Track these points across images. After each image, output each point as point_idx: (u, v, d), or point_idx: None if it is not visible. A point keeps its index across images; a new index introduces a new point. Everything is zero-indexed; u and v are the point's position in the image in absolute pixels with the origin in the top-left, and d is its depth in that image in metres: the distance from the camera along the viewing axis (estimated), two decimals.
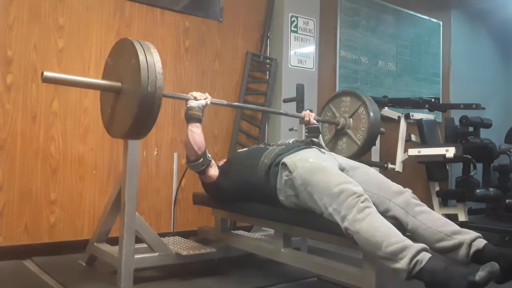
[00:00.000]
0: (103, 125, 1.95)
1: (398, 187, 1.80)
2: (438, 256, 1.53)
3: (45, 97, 2.42)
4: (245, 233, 2.45)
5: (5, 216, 2.28)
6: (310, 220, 1.76)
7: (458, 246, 1.58)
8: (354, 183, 1.62)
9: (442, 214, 1.80)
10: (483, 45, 5.19)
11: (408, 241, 1.45)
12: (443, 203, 3.67)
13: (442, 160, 3.19)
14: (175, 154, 2.83)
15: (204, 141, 1.99)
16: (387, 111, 3.64)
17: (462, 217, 3.34)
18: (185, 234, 2.54)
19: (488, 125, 3.86)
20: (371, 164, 3.10)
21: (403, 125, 3.50)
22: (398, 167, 3.39)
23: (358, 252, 1.67)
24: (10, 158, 2.31)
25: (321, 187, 1.65)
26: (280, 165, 1.84)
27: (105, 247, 2.10)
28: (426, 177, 3.84)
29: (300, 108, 2.61)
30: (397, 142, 3.47)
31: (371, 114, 2.40)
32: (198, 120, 1.96)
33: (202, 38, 3.01)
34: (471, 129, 3.79)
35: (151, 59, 1.65)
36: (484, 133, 3.92)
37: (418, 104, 3.62)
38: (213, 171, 2.07)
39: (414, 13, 4.41)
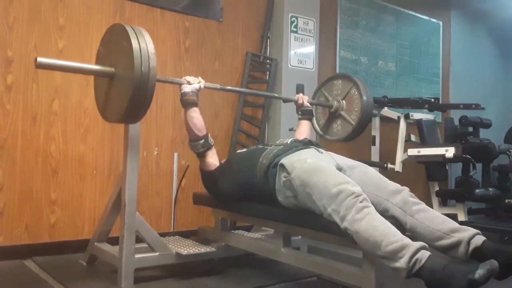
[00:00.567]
0: (98, 111, 1.96)
1: (395, 186, 1.80)
2: (437, 253, 1.53)
3: (45, 97, 2.42)
4: (245, 233, 2.46)
5: (5, 216, 2.29)
6: (309, 220, 1.76)
7: (457, 244, 1.58)
8: (352, 183, 1.63)
9: (442, 214, 1.80)
10: (483, 45, 5.20)
11: (407, 240, 1.45)
12: (443, 203, 3.67)
13: (441, 160, 3.19)
14: (175, 154, 2.84)
15: (204, 124, 2.03)
16: (386, 111, 3.64)
17: (461, 217, 3.35)
18: (185, 234, 2.55)
19: (487, 125, 3.86)
20: (371, 164, 3.10)
21: (402, 125, 3.50)
22: (397, 167, 3.40)
23: (358, 252, 1.67)
24: (10, 158, 2.31)
25: (319, 187, 1.65)
26: (278, 166, 1.85)
27: (106, 246, 2.11)
28: (425, 177, 3.84)
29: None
30: (396, 142, 3.47)
31: (363, 94, 2.43)
32: (194, 104, 1.99)
33: (202, 38, 3.01)
34: (470, 129, 3.79)
35: (143, 40, 1.66)
36: (483, 133, 3.93)
37: (418, 104, 3.62)
38: (213, 159, 2.08)
39: (414, 13, 4.41)
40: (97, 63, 1.89)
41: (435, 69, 4.61)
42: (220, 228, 2.39)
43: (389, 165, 3.40)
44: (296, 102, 2.47)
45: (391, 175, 3.07)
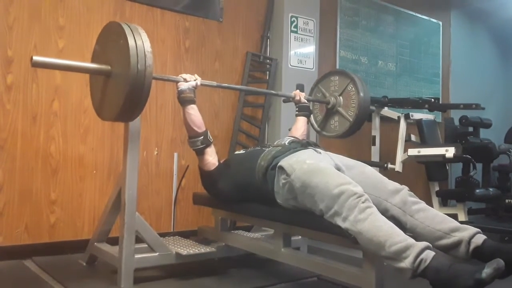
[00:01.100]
0: (93, 109, 1.95)
1: (394, 185, 1.79)
2: (441, 254, 1.53)
3: (45, 97, 2.42)
4: (245, 233, 2.45)
5: (5, 216, 2.29)
6: (309, 220, 1.76)
7: (457, 243, 1.58)
8: (353, 184, 1.62)
9: (441, 213, 1.80)
10: (483, 45, 5.20)
11: (411, 240, 1.44)
12: (443, 203, 3.67)
13: (441, 160, 3.19)
14: (175, 154, 2.83)
15: (203, 121, 2.03)
16: (386, 111, 3.64)
17: (462, 217, 3.34)
18: (185, 234, 2.55)
19: (487, 125, 3.86)
20: (371, 164, 3.10)
21: (402, 125, 3.50)
22: (398, 167, 3.39)
23: (358, 252, 1.67)
24: (10, 158, 2.31)
25: (320, 188, 1.64)
26: (277, 168, 1.84)
27: (106, 247, 2.11)
28: (426, 177, 3.84)
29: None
30: (396, 142, 3.47)
31: (360, 90, 2.42)
32: (192, 101, 2.00)
33: (202, 38, 3.01)
34: (470, 129, 3.79)
35: (140, 38, 1.66)
36: (483, 133, 3.92)
37: (418, 104, 3.61)
38: (212, 158, 2.08)
39: (414, 13, 4.41)
40: (93, 61, 1.89)
41: (435, 69, 4.61)
42: (220, 228, 2.39)
43: (389, 165, 3.40)
44: (293, 98, 2.48)
45: (391, 175, 3.07)
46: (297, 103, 2.47)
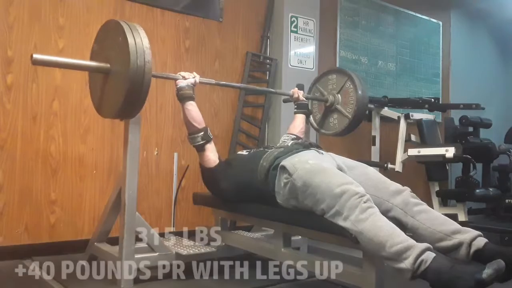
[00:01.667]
0: (93, 107, 1.97)
1: (397, 186, 1.79)
2: (442, 255, 1.52)
3: (45, 97, 2.42)
4: (245, 233, 2.45)
5: (5, 216, 2.29)
6: (310, 220, 1.76)
7: (458, 246, 1.58)
8: (355, 184, 1.62)
9: (442, 214, 1.79)
10: (483, 45, 5.19)
11: (412, 241, 1.44)
12: (443, 203, 3.67)
13: (442, 160, 3.19)
14: (175, 154, 2.83)
15: (203, 118, 2.04)
16: (387, 111, 3.64)
17: (462, 217, 3.34)
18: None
19: (487, 125, 3.86)
20: (371, 164, 3.10)
21: (403, 125, 3.50)
22: (398, 167, 3.40)
23: (358, 252, 1.67)
24: (10, 158, 2.31)
25: (322, 188, 1.64)
26: (278, 168, 1.83)
27: (106, 246, 2.10)
28: (426, 177, 3.84)
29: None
30: (397, 142, 3.47)
31: (358, 87, 2.44)
32: (191, 98, 2.02)
33: (202, 38, 3.01)
34: (470, 129, 3.79)
35: (138, 35, 1.69)
36: (483, 133, 3.92)
37: (418, 104, 3.62)
38: (213, 154, 2.07)
39: (414, 13, 4.41)
40: (91, 60, 1.90)
41: (435, 69, 4.61)
42: (220, 228, 2.38)
43: (389, 165, 3.40)
44: (291, 96, 2.49)
45: (391, 175, 3.07)
46: (296, 101, 2.48)
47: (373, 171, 1.93)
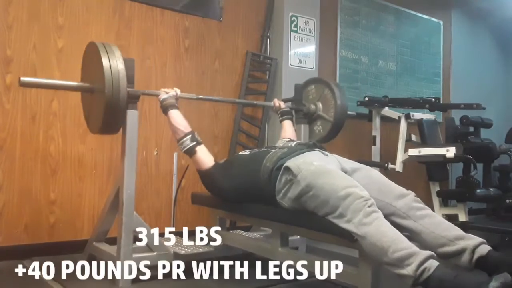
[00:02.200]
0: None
1: (401, 190, 1.77)
2: (445, 264, 1.51)
3: (44, 97, 2.42)
4: (244, 233, 2.45)
5: (4, 216, 2.29)
6: (308, 220, 1.76)
7: (461, 251, 1.56)
8: (360, 187, 1.60)
9: (443, 214, 1.79)
10: (484, 45, 5.18)
11: (415, 248, 1.42)
12: (444, 203, 3.66)
13: (442, 160, 3.18)
14: (175, 154, 2.83)
15: (188, 124, 2.09)
16: (387, 111, 3.62)
17: (462, 217, 3.33)
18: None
19: (488, 125, 3.85)
20: (372, 164, 3.09)
21: (403, 125, 3.49)
22: (398, 167, 3.38)
23: (354, 251, 1.66)
24: (9, 158, 2.31)
25: (326, 190, 1.62)
26: (282, 169, 1.82)
27: (104, 246, 2.11)
28: (426, 177, 3.82)
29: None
30: (397, 142, 3.46)
31: (335, 91, 2.56)
32: (174, 106, 2.10)
33: (202, 37, 3.01)
34: (471, 129, 3.78)
35: (113, 56, 1.81)
36: (484, 133, 3.91)
37: (419, 104, 3.60)
38: (206, 156, 2.09)
39: (414, 13, 4.40)
40: (81, 76, 2.08)
41: (436, 68, 4.60)
42: (219, 228, 2.38)
43: (390, 165, 3.38)
44: (273, 107, 2.57)
45: (392, 175, 3.07)
46: (278, 109, 2.54)
47: (377, 174, 1.91)
